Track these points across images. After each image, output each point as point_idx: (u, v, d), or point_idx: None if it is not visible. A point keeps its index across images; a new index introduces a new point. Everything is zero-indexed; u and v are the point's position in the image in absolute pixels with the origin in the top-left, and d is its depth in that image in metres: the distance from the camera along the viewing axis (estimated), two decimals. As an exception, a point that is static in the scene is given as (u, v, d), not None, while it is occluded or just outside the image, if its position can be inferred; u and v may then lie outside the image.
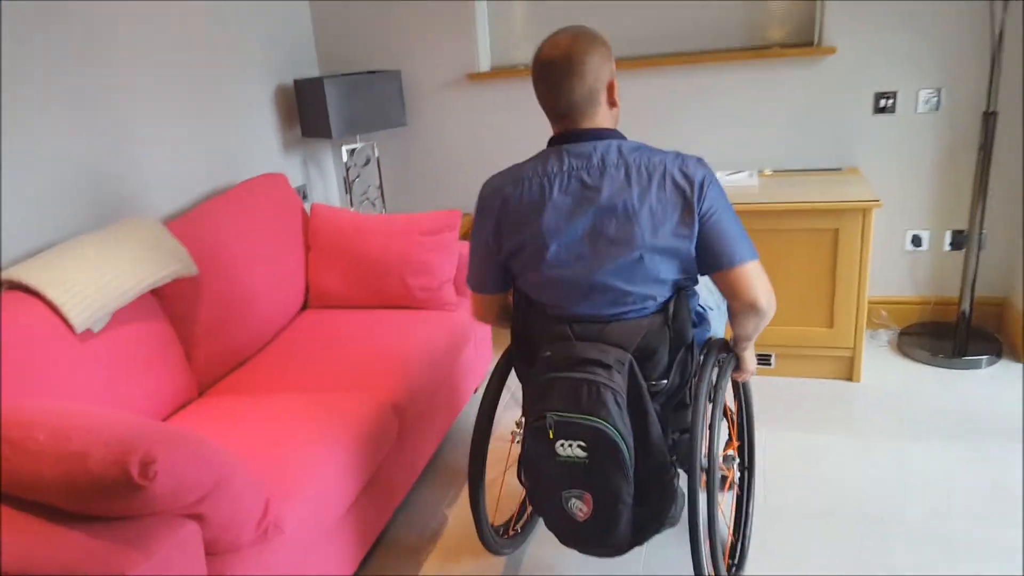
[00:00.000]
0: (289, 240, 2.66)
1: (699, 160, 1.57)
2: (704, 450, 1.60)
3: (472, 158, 3.41)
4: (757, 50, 2.98)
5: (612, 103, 1.62)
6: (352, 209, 3.16)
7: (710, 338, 1.84)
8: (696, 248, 1.56)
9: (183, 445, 1.34)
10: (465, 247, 2.78)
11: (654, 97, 3.10)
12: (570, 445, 1.53)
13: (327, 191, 3.53)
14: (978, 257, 2.82)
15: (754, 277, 1.57)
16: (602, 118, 1.60)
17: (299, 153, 3.32)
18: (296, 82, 3.10)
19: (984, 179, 2.71)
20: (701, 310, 1.88)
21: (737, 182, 2.85)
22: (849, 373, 2.76)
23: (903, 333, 3.04)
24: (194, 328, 2.17)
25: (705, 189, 1.53)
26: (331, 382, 2.14)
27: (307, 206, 3.29)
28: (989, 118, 2.65)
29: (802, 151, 3.03)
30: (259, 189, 2.66)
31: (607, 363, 1.53)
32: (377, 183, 3.48)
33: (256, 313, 2.41)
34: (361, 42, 3.36)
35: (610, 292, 1.58)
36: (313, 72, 3.43)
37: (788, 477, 2.26)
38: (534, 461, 1.58)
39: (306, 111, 3.10)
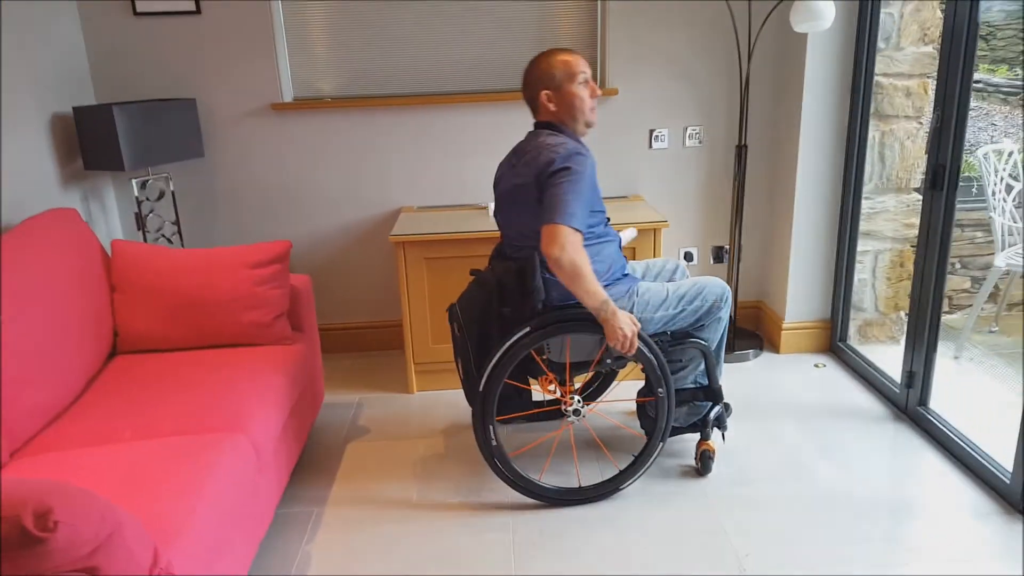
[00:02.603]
0: (89, 282, 2.40)
1: (568, 154, 2.09)
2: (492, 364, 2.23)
3: (278, 191, 3.32)
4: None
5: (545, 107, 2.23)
6: (150, 247, 2.92)
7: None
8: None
9: (73, 493, 1.22)
10: (296, 279, 2.71)
11: (458, 129, 3.27)
12: (455, 326, 2.36)
13: (110, 228, 3.22)
14: (738, 268, 3.34)
15: (554, 235, 2.03)
16: (542, 114, 2.25)
17: (78, 188, 3.00)
18: (76, 110, 2.81)
19: (739, 202, 3.23)
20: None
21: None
22: (653, 374, 3.12)
23: (685, 337, 3.49)
24: (-5, 385, 1.89)
25: (551, 168, 2.08)
26: (169, 426, 1.99)
27: (92, 245, 2.97)
28: (741, 150, 3.18)
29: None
30: (48, 227, 2.37)
31: (481, 282, 2.30)
32: (173, 218, 3.24)
33: (61, 364, 2.14)
34: (144, 68, 3.13)
35: (508, 241, 2.32)
36: (88, 100, 3.13)
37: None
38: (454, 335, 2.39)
39: (90, 142, 2.82)
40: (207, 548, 1.64)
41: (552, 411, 2.60)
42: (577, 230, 2.04)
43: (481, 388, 2.23)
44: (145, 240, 3.09)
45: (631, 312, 2.25)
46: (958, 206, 3.74)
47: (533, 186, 2.12)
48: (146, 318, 2.47)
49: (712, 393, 2.47)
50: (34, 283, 2.13)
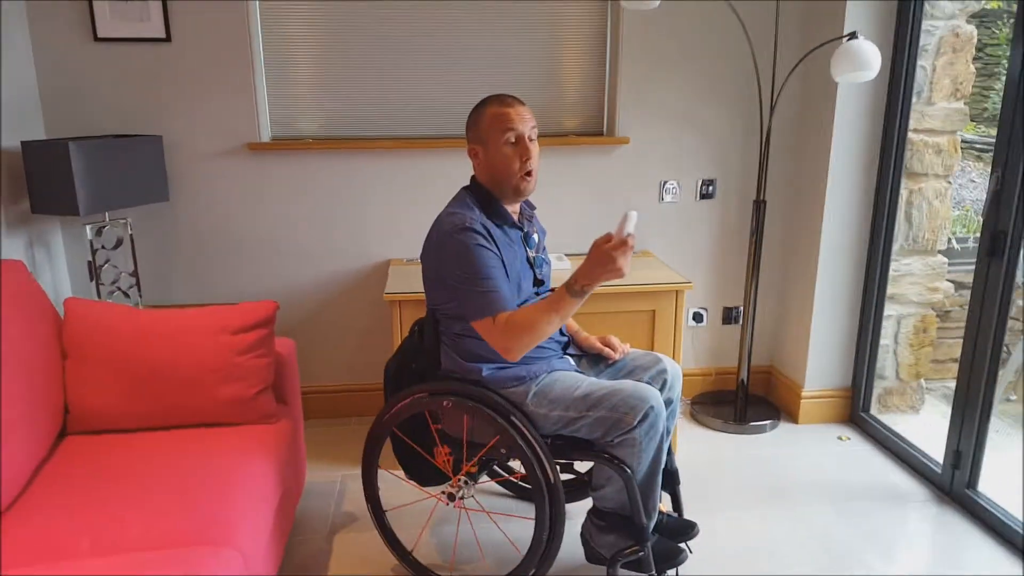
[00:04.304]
0: (37, 347, 2.01)
1: (447, 229, 1.88)
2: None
3: (251, 240, 2.97)
4: (554, 137, 3.03)
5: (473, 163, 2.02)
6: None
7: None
8: None
9: None
10: (280, 344, 2.36)
11: (451, 175, 2.99)
12: None
13: (56, 280, 2.81)
14: (753, 331, 3.12)
15: (485, 334, 1.88)
16: (474, 170, 2.03)
17: (23, 234, 2.60)
18: (25, 145, 2.43)
19: (756, 260, 3.02)
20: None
21: (554, 267, 2.83)
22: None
23: (693, 402, 3.23)
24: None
25: (433, 256, 1.95)
26: (137, 536, 1.61)
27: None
28: (760, 206, 2.97)
29: (596, 235, 3.11)
30: (-13, 282, 1.99)
31: (412, 333, 2.20)
32: (131, 269, 2.85)
33: (7, 449, 1.75)
34: (105, 100, 2.77)
35: None
36: (38, 134, 2.74)
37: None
38: None
39: (40, 182, 2.45)
40: None
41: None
42: (499, 313, 1.85)
43: (365, 439, 2.12)
44: (99, 294, 2.69)
45: (528, 402, 1.94)
46: (971, 267, 3.60)
47: (429, 264, 1.98)
48: (104, 391, 2.08)
49: (634, 530, 1.94)
50: (-32, 355, 1.74)
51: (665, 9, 2.91)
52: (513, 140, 1.90)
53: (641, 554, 1.92)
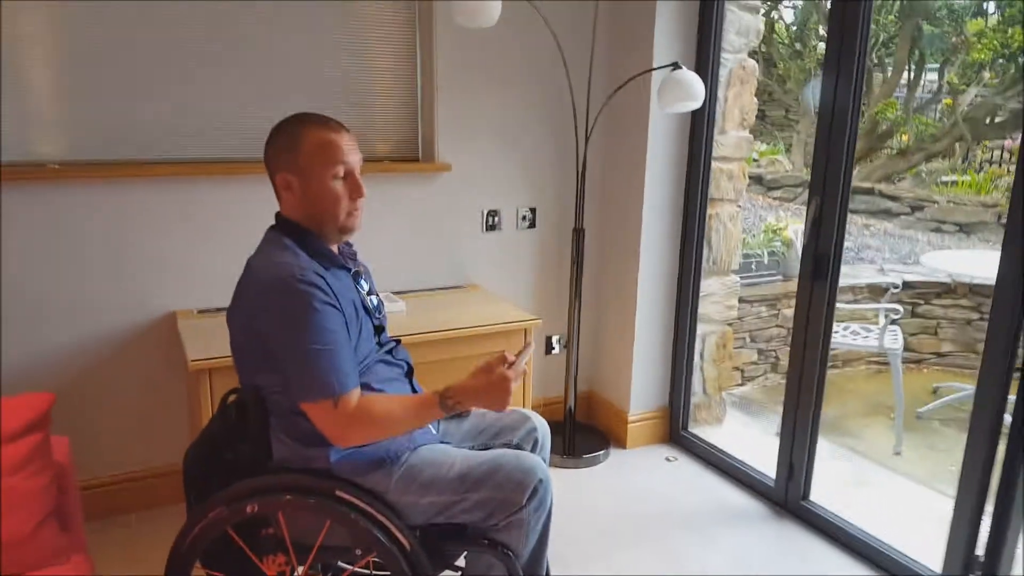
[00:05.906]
0: None
1: (271, 283, 1.53)
2: None
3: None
4: (368, 162, 2.68)
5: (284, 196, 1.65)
6: None
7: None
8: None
9: None
10: (56, 446, 1.73)
11: (247, 207, 2.50)
12: None
13: None
14: (578, 359, 3.05)
15: (320, 419, 1.53)
16: (282, 205, 1.67)
17: None
18: None
19: (578, 288, 2.96)
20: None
21: (388, 309, 2.49)
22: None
23: (525, 441, 3.08)
24: None
25: (264, 318, 1.55)
26: None
27: None
28: (578, 234, 2.92)
29: (420, 271, 2.85)
30: None
31: (223, 410, 1.72)
32: None
33: None
34: None
35: None
36: None
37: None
38: None
39: None
40: None
41: None
42: (344, 394, 1.51)
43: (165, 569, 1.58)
44: None
45: (393, 489, 1.62)
46: (744, 282, 3.94)
47: (248, 328, 1.58)
48: None
49: None
50: None
51: (483, 34, 2.72)
52: (343, 175, 1.61)
53: None
